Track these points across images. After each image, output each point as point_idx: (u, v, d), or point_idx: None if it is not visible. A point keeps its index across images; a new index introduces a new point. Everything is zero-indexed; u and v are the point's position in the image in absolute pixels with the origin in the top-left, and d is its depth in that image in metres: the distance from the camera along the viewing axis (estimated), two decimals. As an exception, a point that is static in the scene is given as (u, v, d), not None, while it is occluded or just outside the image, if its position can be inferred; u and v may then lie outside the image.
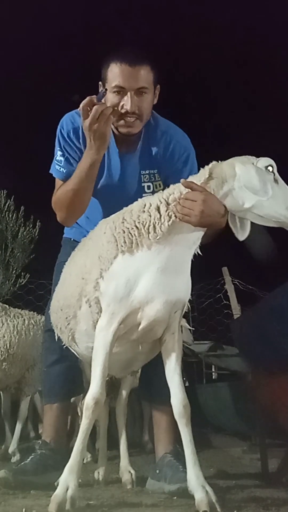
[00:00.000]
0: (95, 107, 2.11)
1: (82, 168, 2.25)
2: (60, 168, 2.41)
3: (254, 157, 2.05)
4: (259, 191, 1.95)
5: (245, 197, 1.98)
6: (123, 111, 2.26)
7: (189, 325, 6.16)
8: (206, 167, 2.07)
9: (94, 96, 2.14)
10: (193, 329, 4.83)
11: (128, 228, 2.02)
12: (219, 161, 2.07)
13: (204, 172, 2.04)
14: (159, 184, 2.41)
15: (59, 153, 2.41)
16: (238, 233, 2.07)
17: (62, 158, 2.39)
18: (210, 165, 2.06)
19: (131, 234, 2.00)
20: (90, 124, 2.12)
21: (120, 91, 2.24)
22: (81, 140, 2.36)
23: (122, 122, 2.29)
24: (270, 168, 2.01)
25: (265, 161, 2.03)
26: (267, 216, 1.99)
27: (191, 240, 2.03)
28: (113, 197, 2.38)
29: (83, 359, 2.37)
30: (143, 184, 2.43)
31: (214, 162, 2.07)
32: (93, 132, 2.14)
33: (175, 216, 1.97)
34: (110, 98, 2.26)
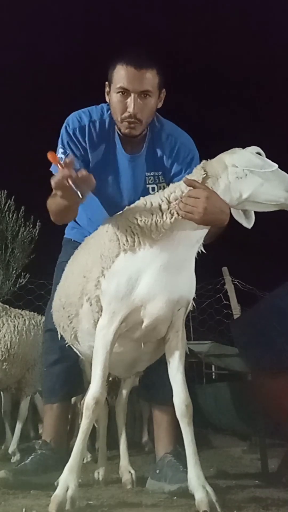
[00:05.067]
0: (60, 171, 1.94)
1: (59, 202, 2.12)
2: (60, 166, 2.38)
3: (240, 148, 2.06)
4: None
5: (242, 188, 1.98)
6: (126, 113, 2.27)
7: (189, 324, 6.17)
8: (198, 166, 2.08)
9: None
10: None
11: (131, 227, 2.02)
12: (208, 160, 2.09)
13: (200, 171, 2.04)
14: (163, 186, 2.39)
15: (60, 150, 2.37)
16: (244, 222, 2.06)
17: (63, 156, 2.35)
18: (202, 163, 2.08)
19: (133, 232, 2.01)
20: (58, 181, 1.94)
21: (124, 92, 2.24)
22: (86, 139, 2.36)
23: (124, 123, 2.29)
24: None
25: (253, 149, 2.04)
26: (266, 201, 1.98)
27: (194, 239, 2.03)
28: (119, 198, 2.39)
29: (86, 358, 2.38)
30: (147, 186, 2.42)
31: (204, 161, 2.09)
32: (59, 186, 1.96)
33: (178, 214, 1.97)
34: (114, 99, 2.27)
